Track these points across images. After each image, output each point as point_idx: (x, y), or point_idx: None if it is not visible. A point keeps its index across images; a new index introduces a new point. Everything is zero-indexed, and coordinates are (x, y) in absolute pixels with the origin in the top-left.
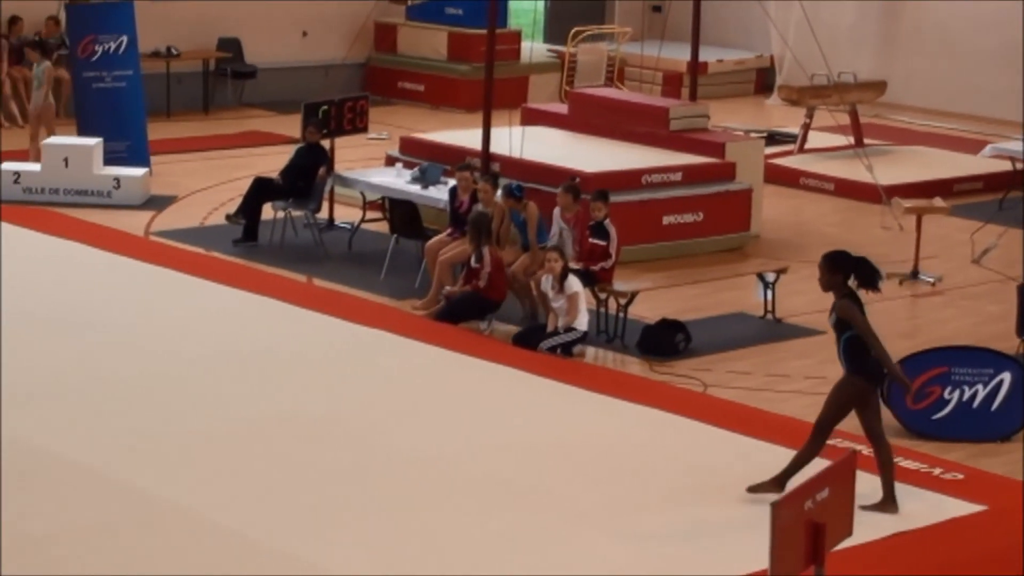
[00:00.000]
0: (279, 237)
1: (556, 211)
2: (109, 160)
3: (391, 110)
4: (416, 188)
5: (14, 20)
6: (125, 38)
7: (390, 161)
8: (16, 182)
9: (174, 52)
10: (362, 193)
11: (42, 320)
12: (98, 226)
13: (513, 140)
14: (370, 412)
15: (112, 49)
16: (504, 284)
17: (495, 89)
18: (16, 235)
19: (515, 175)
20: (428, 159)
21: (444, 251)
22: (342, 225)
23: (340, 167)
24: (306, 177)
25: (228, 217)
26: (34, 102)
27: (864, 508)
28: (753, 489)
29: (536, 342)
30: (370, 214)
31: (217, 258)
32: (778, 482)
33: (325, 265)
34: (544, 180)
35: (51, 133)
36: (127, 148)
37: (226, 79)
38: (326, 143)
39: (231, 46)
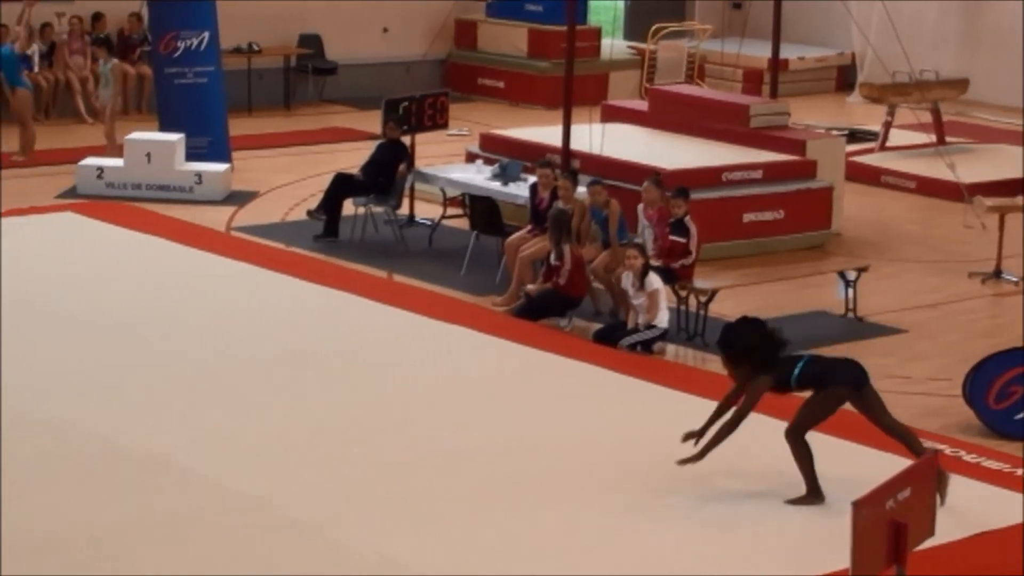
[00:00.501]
0: (360, 233)
1: (639, 208)
2: (191, 156)
3: (471, 106)
4: (496, 185)
5: (97, 16)
6: (207, 34)
7: (470, 157)
8: (99, 177)
9: (255, 48)
10: (442, 189)
11: (123, 315)
12: (180, 221)
13: (593, 137)
14: (449, 408)
15: (194, 45)
16: (584, 281)
17: (575, 86)
18: (98, 230)
19: (595, 172)
20: (508, 156)
21: (524, 248)
22: (422, 221)
23: (420, 163)
24: (387, 173)
25: (309, 213)
26: (102, 100)
27: (790, 502)
28: (793, 502)
29: (616, 339)
30: (450, 210)
31: (298, 254)
32: (813, 493)
33: (405, 261)
34: (624, 177)
35: (108, 133)
36: (209, 144)
37: (307, 75)
38: (406, 139)
39: (312, 42)
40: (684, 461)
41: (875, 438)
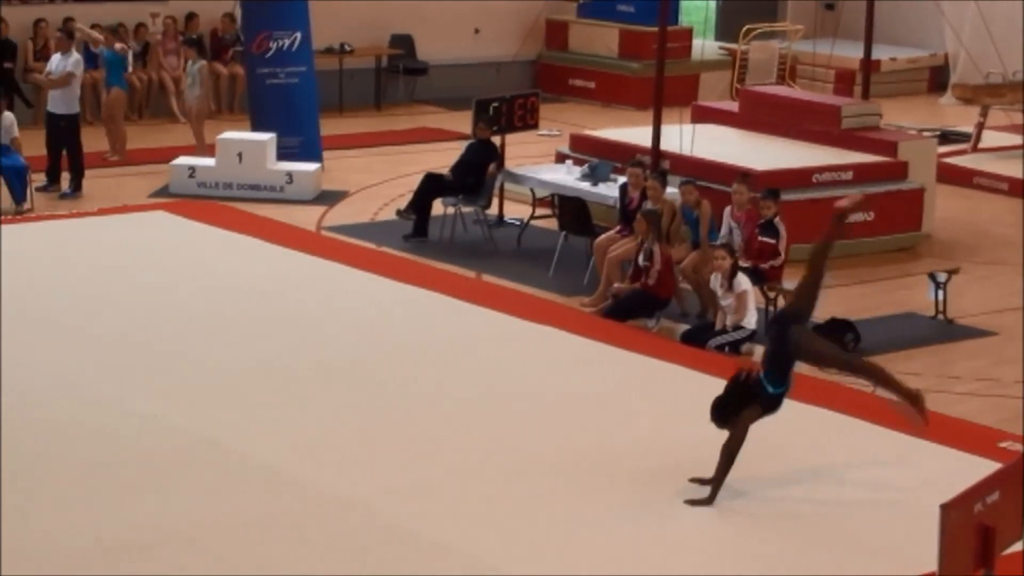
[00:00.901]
0: (449, 233)
1: (727, 209)
2: (282, 155)
3: (561, 107)
4: (586, 185)
5: (191, 17)
6: (299, 34)
7: (560, 158)
8: (191, 176)
9: (347, 49)
10: (532, 190)
11: (214, 314)
12: (270, 221)
13: (683, 138)
14: (537, 409)
15: (286, 45)
16: (673, 282)
17: (665, 86)
18: (189, 229)
19: (684, 173)
20: (598, 156)
21: (613, 248)
22: (511, 221)
23: (510, 164)
24: (476, 173)
25: (399, 212)
26: (189, 101)
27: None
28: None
29: (704, 340)
30: (539, 211)
31: (387, 253)
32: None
33: (494, 261)
34: (714, 178)
35: (197, 133)
36: (300, 143)
37: (398, 76)
38: (497, 140)
39: (403, 43)
40: (695, 502)
41: (961, 440)
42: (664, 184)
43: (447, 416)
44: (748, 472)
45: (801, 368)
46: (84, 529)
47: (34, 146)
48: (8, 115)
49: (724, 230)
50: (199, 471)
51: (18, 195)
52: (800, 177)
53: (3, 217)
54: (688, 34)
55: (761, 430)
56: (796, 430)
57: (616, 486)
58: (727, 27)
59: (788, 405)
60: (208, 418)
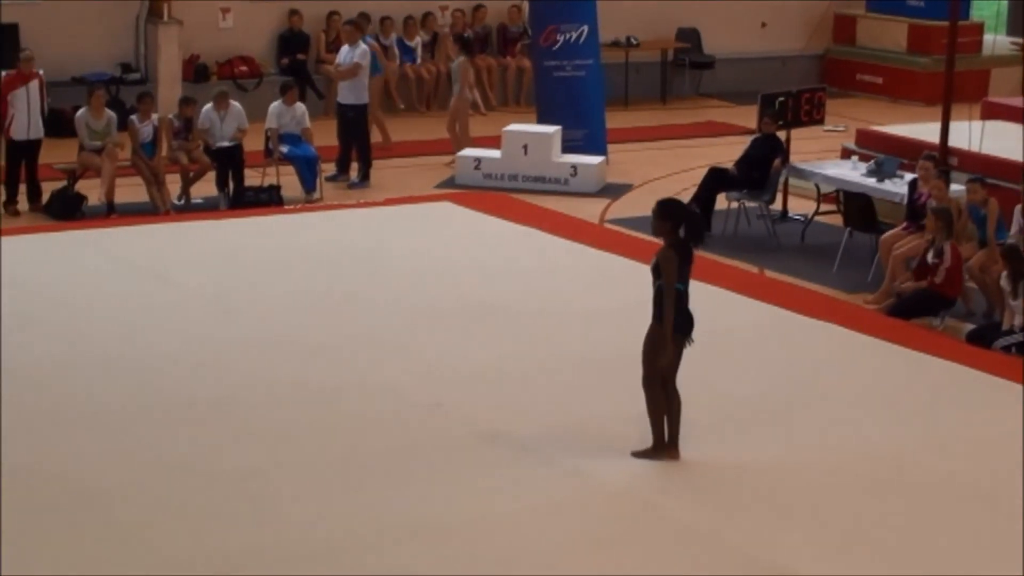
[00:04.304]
0: (732, 227)
1: (1017, 208)
2: (567, 148)
3: (848, 102)
4: (872, 181)
5: (478, 8)
6: (586, 28)
7: (846, 153)
8: (476, 168)
9: (633, 42)
10: (816, 185)
11: (495, 305)
12: (554, 213)
13: (972, 134)
14: (813, 405)
15: (573, 38)
16: (961, 281)
17: (955, 82)
18: (473, 219)
19: (973, 170)
20: (884, 152)
21: (899, 245)
22: (795, 217)
23: (795, 159)
24: (761, 168)
25: None
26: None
27: (635, 454)
28: (637, 455)
29: (991, 340)
30: (824, 206)
31: None
32: (671, 445)
33: (777, 257)
34: (1004, 176)
35: (464, 132)
36: (584, 136)
37: (684, 69)
38: (782, 134)
39: (690, 36)
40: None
41: None
42: (947, 182)
43: (728, 412)
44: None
45: None
46: (365, 512)
47: (325, 136)
48: (300, 106)
49: (1014, 229)
50: (464, 458)
51: (308, 184)
52: None
53: (294, 206)
54: (979, 29)
55: None
56: None
57: (886, 489)
58: (1019, 21)
59: None
60: (487, 407)
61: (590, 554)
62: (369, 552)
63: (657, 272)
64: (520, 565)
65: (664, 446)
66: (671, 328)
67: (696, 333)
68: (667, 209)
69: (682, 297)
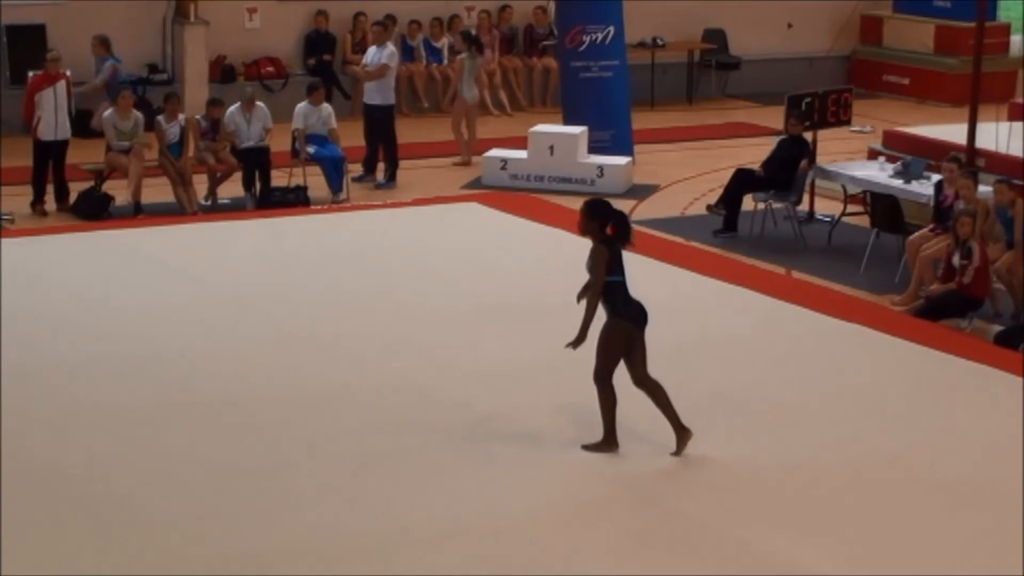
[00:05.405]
0: (759, 229)
1: None
2: (593, 149)
3: (875, 103)
4: (899, 182)
5: (504, 9)
6: (612, 29)
7: (872, 154)
8: (503, 168)
9: (660, 43)
10: (843, 186)
11: (521, 306)
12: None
13: (999, 135)
14: (839, 406)
15: (599, 39)
16: (988, 282)
17: (982, 83)
18: (499, 220)
19: (1001, 171)
20: (911, 153)
21: (926, 247)
22: (822, 218)
23: (822, 160)
24: (787, 169)
25: (709, 207)
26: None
27: (585, 447)
28: (588, 448)
29: (1019, 342)
30: (851, 207)
31: (696, 248)
32: (609, 441)
33: (804, 258)
34: None
35: (471, 134)
36: (611, 137)
37: (710, 70)
38: (808, 135)
39: (716, 37)
40: (571, 344)
41: None
42: (976, 183)
43: (750, 413)
44: None
45: None
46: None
47: (351, 137)
48: (326, 106)
49: None
50: (510, 456)
51: (335, 185)
52: None
53: (320, 206)
54: (1006, 30)
55: None
56: None
57: (915, 491)
58: None
59: None
60: (513, 406)
61: (620, 555)
62: (399, 551)
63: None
64: (550, 565)
65: (613, 440)
66: (591, 317)
67: (723, 334)
68: (594, 209)
69: (620, 288)
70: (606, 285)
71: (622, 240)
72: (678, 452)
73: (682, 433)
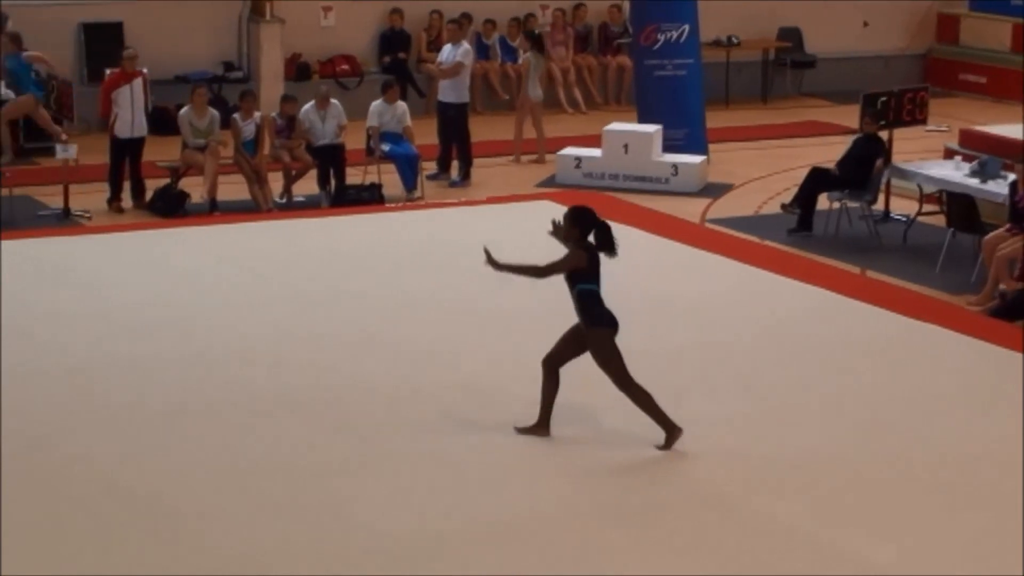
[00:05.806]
0: (834, 228)
1: None
2: (667, 147)
3: (951, 102)
4: (975, 182)
5: (578, 7)
6: (687, 27)
7: (948, 154)
8: (577, 167)
9: (734, 41)
10: (919, 185)
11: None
12: (655, 212)
13: None
14: (917, 408)
15: (674, 38)
16: None
17: None
18: None
19: None
20: (988, 152)
21: (1002, 246)
22: (898, 217)
23: (897, 159)
24: (863, 168)
25: (783, 206)
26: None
27: (519, 430)
28: (522, 431)
29: None
30: (926, 207)
31: (771, 247)
32: (543, 424)
33: (879, 257)
34: None
35: (538, 131)
36: (685, 136)
37: (785, 68)
38: (884, 134)
39: (791, 36)
40: (489, 261)
41: None
42: None
43: (825, 413)
44: None
45: None
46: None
47: (426, 135)
48: (401, 104)
49: None
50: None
51: (409, 183)
52: None
53: (395, 204)
54: None
55: None
56: None
57: (999, 495)
58: None
59: None
60: (583, 406)
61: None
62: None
63: (572, 278)
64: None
65: (546, 423)
66: (513, 271)
67: (798, 335)
68: (578, 216)
69: (596, 297)
70: (582, 293)
71: (605, 250)
72: (666, 446)
73: (672, 431)
